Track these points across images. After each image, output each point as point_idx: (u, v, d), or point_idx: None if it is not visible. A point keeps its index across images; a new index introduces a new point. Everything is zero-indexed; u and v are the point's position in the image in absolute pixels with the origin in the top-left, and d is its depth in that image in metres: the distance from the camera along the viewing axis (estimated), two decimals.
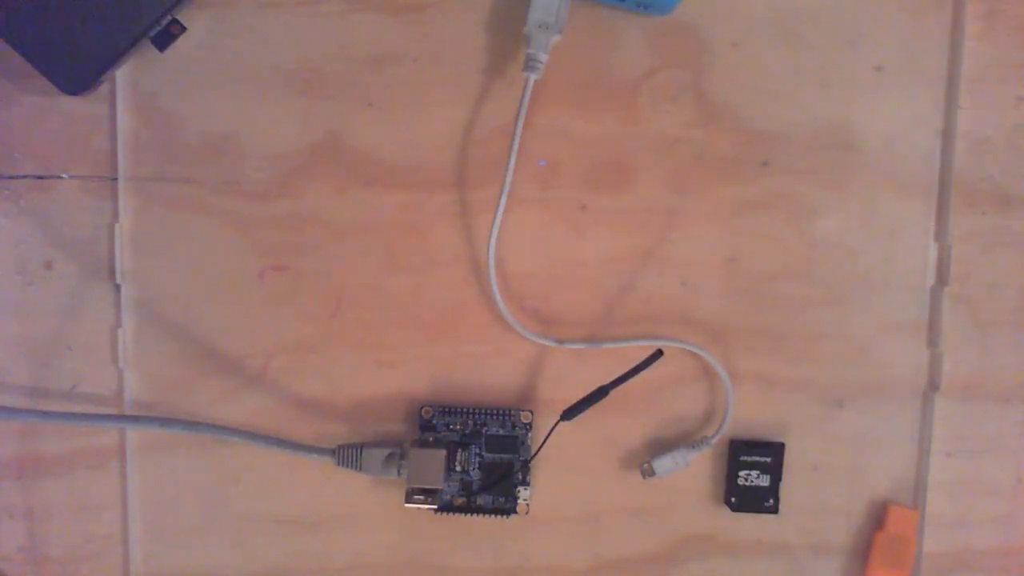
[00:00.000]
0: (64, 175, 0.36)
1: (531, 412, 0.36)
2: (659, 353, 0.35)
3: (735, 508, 0.37)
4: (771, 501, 0.37)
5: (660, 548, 0.38)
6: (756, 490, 0.37)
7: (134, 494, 0.37)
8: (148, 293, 0.36)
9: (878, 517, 0.37)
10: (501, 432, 0.36)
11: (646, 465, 0.36)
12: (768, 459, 0.37)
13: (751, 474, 0.37)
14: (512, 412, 0.36)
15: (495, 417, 0.36)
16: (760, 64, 0.36)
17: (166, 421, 0.35)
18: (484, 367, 0.37)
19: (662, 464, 0.36)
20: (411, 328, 0.37)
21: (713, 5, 0.36)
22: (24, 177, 0.36)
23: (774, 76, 0.36)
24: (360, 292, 0.37)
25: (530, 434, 0.36)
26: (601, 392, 0.35)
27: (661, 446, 0.37)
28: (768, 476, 0.37)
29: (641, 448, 0.37)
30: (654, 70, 0.36)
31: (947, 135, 0.36)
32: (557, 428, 0.35)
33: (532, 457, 0.36)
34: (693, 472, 0.37)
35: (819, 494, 0.38)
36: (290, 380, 0.37)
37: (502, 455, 0.36)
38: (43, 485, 0.37)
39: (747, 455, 0.37)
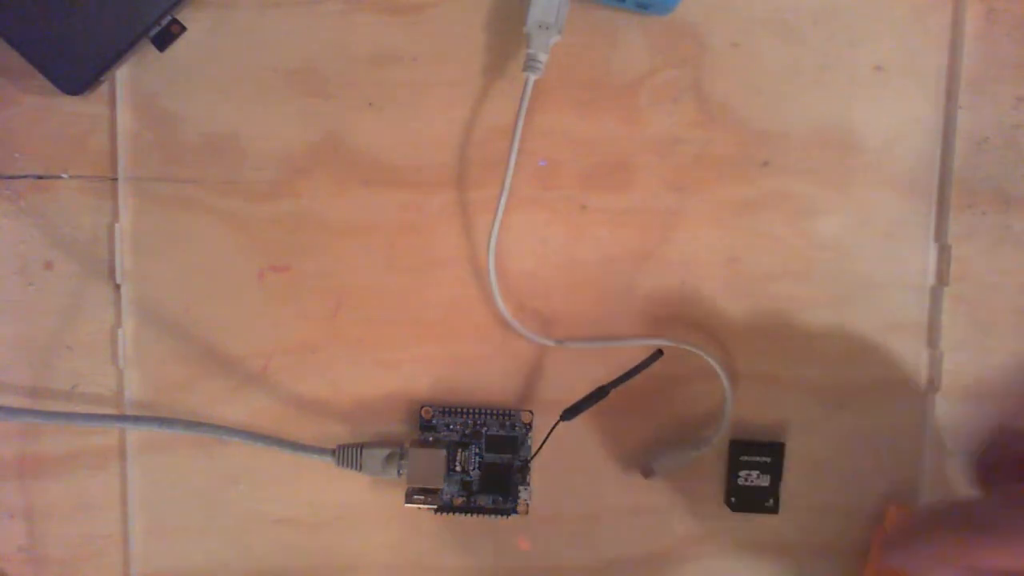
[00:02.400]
0: (64, 175, 0.36)
1: (531, 412, 0.36)
2: (659, 353, 0.35)
3: (735, 508, 0.37)
4: (771, 501, 0.37)
5: (660, 548, 0.38)
6: (756, 490, 0.37)
7: (134, 494, 0.37)
8: (148, 293, 0.36)
9: (878, 517, 0.37)
10: (501, 432, 0.36)
11: (646, 465, 0.36)
12: (768, 459, 0.37)
13: (751, 474, 0.37)
14: (512, 412, 0.36)
15: (495, 417, 0.36)
16: (760, 64, 0.36)
17: (166, 421, 0.35)
18: (484, 367, 0.37)
19: (662, 464, 0.36)
20: (411, 328, 0.37)
21: (713, 5, 0.36)
22: (24, 177, 0.36)
23: (774, 76, 0.36)
24: (360, 292, 0.37)
25: (530, 434, 0.36)
26: (601, 392, 0.35)
27: (661, 446, 0.37)
28: (768, 476, 0.37)
29: (641, 448, 0.37)
30: (654, 70, 0.36)
31: (947, 135, 0.36)
32: (557, 428, 0.35)
33: (532, 457, 0.36)
34: (693, 472, 0.37)
35: (819, 494, 0.38)
36: (290, 380, 0.37)
37: (502, 455, 0.36)
38: (43, 485, 0.37)
39: (747, 455, 0.37)
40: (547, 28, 0.34)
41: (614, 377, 0.35)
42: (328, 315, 0.37)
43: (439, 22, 0.36)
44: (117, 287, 0.36)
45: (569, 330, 0.37)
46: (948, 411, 0.37)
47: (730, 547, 0.38)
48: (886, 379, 0.37)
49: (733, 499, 0.37)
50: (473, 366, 0.37)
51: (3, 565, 0.37)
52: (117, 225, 0.36)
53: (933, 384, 0.37)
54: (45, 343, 0.37)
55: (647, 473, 0.36)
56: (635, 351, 0.36)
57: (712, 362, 0.36)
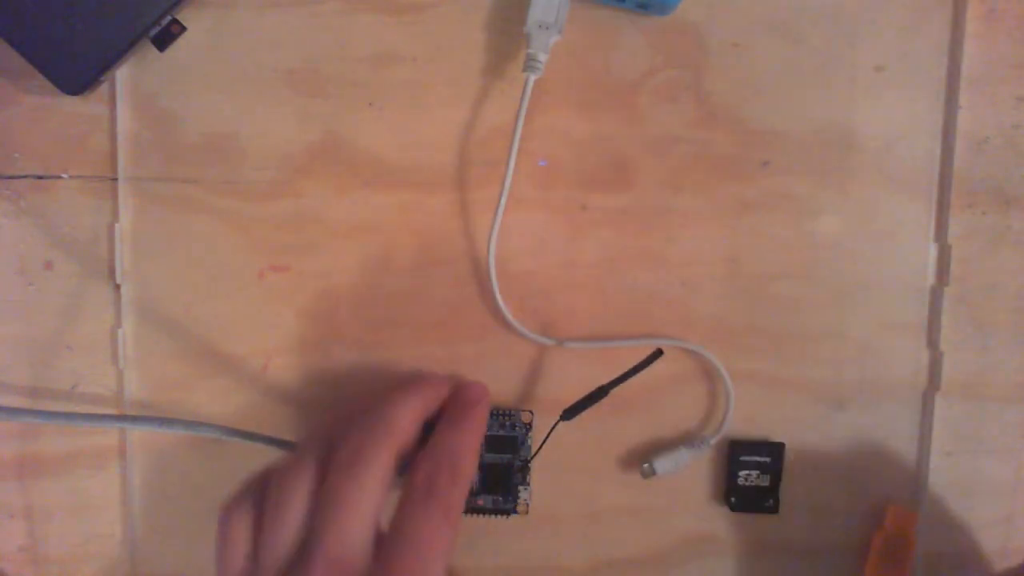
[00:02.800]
0: (64, 175, 0.36)
1: (531, 412, 0.36)
2: (659, 353, 0.35)
3: (735, 508, 0.37)
4: (771, 501, 0.37)
5: (660, 548, 0.38)
6: (756, 490, 0.37)
7: (134, 494, 0.37)
8: (148, 293, 0.37)
9: (878, 517, 0.37)
10: (501, 432, 0.36)
11: (646, 465, 0.36)
12: (768, 459, 0.37)
13: (751, 474, 0.37)
14: (512, 412, 0.36)
15: (495, 417, 0.36)
16: (760, 64, 0.36)
17: (166, 421, 0.34)
18: (484, 367, 0.37)
19: (662, 464, 0.36)
20: (411, 328, 0.37)
21: (713, 5, 0.36)
22: (24, 177, 0.36)
23: (774, 76, 0.36)
24: (360, 292, 0.37)
25: (530, 434, 0.36)
26: (600, 392, 0.35)
27: (661, 446, 0.37)
28: (768, 476, 0.37)
29: (641, 448, 0.37)
30: (654, 70, 0.36)
31: (947, 135, 0.36)
32: (557, 428, 0.35)
33: (532, 457, 0.36)
34: (693, 472, 0.37)
35: (819, 494, 0.38)
36: (290, 380, 0.37)
37: (502, 455, 0.36)
38: (43, 485, 0.37)
39: (747, 455, 0.37)
40: (547, 28, 0.34)
41: (614, 377, 0.35)
42: (328, 315, 0.37)
43: (439, 22, 0.36)
44: (117, 287, 0.36)
45: (569, 330, 0.37)
46: (948, 411, 0.37)
47: (730, 547, 0.38)
48: (886, 379, 0.37)
49: (733, 499, 0.37)
50: (473, 366, 0.37)
51: (3, 565, 0.37)
52: (117, 225, 0.36)
53: (933, 384, 0.37)
54: (45, 343, 0.37)
55: (647, 473, 0.36)
56: (635, 351, 0.36)
57: (712, 362, 0.36)
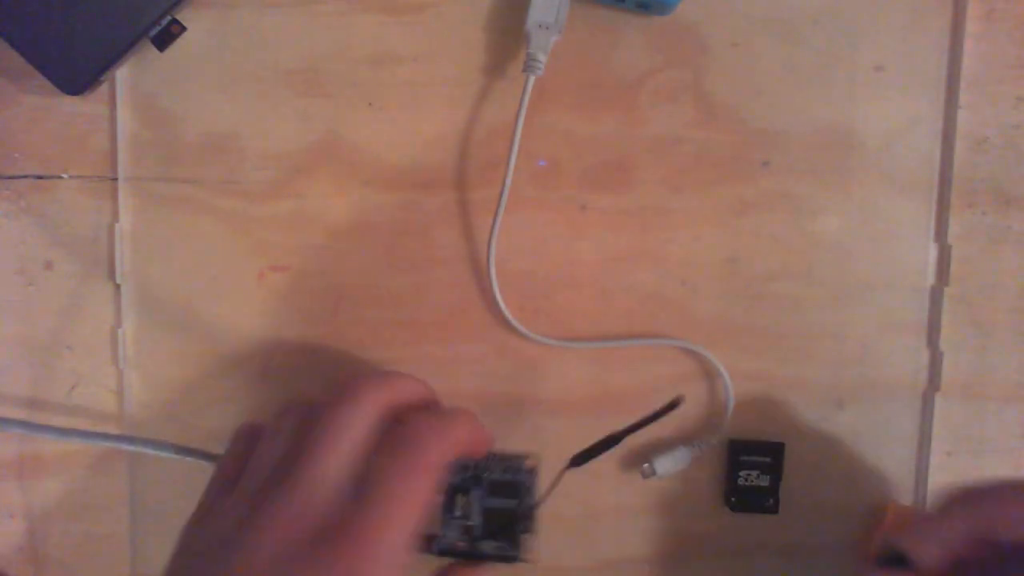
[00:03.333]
0: (64, 175, 0.36)
1: (536, 459, 0.35)
2: (677, 401, 0.34)
3: (735, 508, 0.37)
4: (771, 501, 0.37)
5: (660, 548, 0.38)
6: (756, 490, 0.37)
7: (134, 494, 0.37)
8: (148, 293, 0.37)
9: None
10: (504, 478, 0.34)
11: (646, 465, 0.36)
12: (768, 459, 0.37)
13: (751, 474, 0.37)
14: (516, 458, 0.34)
15: (498, 461, 0.34)
16: (760, 64, 0.36)
17: (159, 444, 0.34)
18: (484, 367, 0.37)
19: (662, 464, 0.36)
20: (411, 328, 0.37)
21: (713, 5, 0.36)
22: (24, 177, 0.36)
23: (774, 76, 0.36)
24: (360, 292, 0.37)
25: (536, 480, 0.34)
26: (612, 440, 0.34)
27: (661, 446, 0.37)
28: (768, 476, 0.37)
29: (641, 448, 0.37)
30: (654, 70, 0.36)
31: (947, 135, 0.36)
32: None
33: (538, 504, 0.34)
34: (693, 472, 0.37)
35: (819, 494, 0.38)
36: (290, 380, 0.37)
37: (506, 500, 0.34)
38: (43, 485, 0.37)
39: (747, 455, 0.37)
40: (547, 28, 0.34)
41: (626, 425, 0.34)
42: (328, 315, 0.37)
43: (439, 22, 0.36)
44: (117, 287, 0.36)
45: (569, 330, 0.37)
46: (948, 411, 0.37)
47: (730, 547, 0.38)
48: (886, 379, 0.37)
49: (733, 499, 0.37)
50: (473, 366, 0.37)
51: (3, 565, 0.37)
52: (117, 225, 0.36)
53: (933, 384, 0.37)
54: (45, 343, 0.37)
55: (647, 473, 0.36)
56: (635, 350, 0.36)
57: (712, 362, 0.36)
